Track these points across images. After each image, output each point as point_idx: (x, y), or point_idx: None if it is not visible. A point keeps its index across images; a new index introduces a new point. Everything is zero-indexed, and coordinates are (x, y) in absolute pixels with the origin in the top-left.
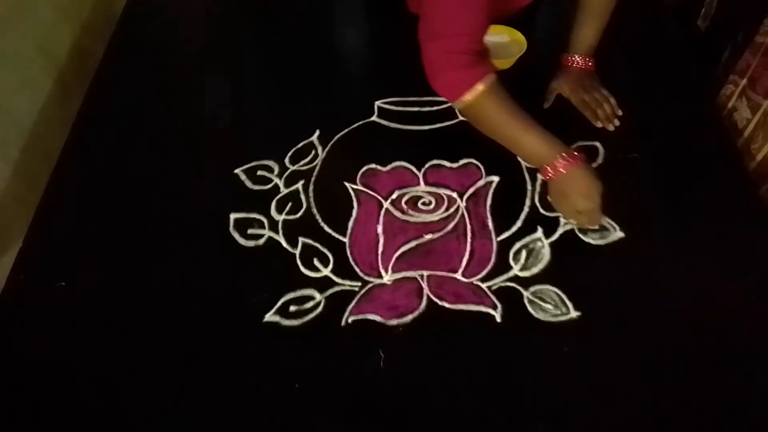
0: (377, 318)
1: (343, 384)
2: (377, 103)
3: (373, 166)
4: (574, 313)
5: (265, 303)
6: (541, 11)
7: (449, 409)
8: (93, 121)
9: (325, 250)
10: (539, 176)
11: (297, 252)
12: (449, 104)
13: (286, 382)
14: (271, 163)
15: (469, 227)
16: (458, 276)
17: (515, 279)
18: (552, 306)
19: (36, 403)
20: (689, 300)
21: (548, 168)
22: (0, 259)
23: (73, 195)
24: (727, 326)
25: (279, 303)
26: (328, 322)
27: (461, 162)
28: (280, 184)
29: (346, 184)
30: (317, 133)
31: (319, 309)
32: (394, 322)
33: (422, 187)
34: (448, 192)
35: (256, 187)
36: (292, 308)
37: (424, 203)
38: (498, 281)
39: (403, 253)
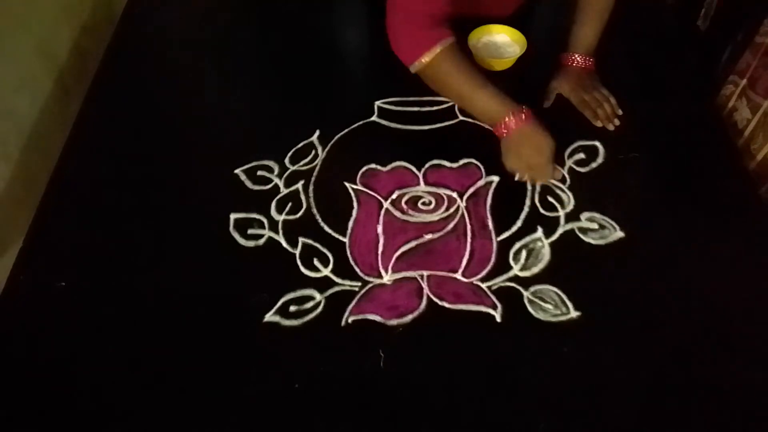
0: (377, 318)
1: (343, 384)
2: (377, 103)
3: (373, 166)
4: (574, 313)
5: (265, 303)
6: (541, 11)
7: (449, 409)
8: (93, 121)
9: (325, 250)
10: None
11: (297, 252)
12: (449, 104)
13: (286, 382)
14: (271, 163)
15: (469, 227)
16: (458, 276)
17: (515, 279)
18: (552, 306)
19: (36, 403)
20: (689, 300)
21: (500, 125)
22: (0, 259)
23: (73, 195)
24: (727, 326)
25: (279, 303)
26: (328, 322)
27: (461, 162)
28: (280, 184)
29: (346, 184)
30: (317, 133)
31: (319, 309)
32: (394, 322)
33: (422, 187)
34: (448, 192)
35: (256, 187)
36: (292, 308)
37: (424, 203)
38: (498, 281)
39: (403, 253)
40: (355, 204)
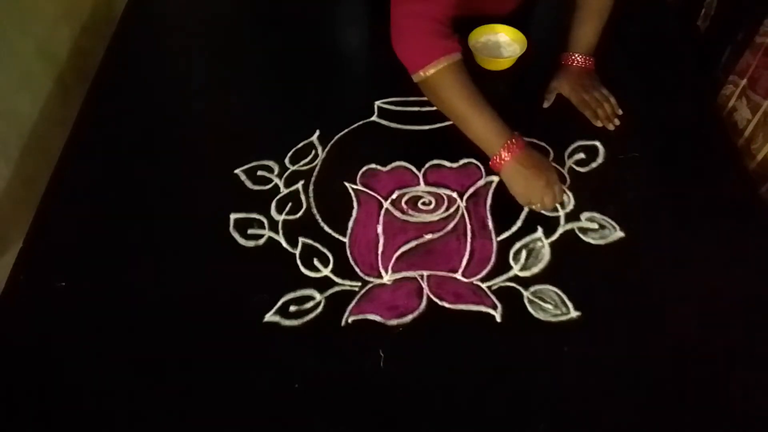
0: (377, 318)
1: (343, 384)
2: (377, 103)
3: (373, 166)
4: (574, 313)
5: (265, 303)
6: (541, 11)
7: (449, 409)
8: (93, 121)
9: (325, 250)
10: None
11: (297, 252)
12: None
13: (286, 382)
14: (271, 163)
15: (469, 227)
16: (458, 276)
17: (515, 279)
18: (552, 306)
19: (36, 403)
20: (689, 300)
21: (495, 157)
22: (0, 259)
23: (73, 195)
24: (727, 326)
25: (279, 303)
26: (328, 322)
27: (461, 162)
28: (280, 184)
29: (346, 184)
30: (317, 133)
31: (319, 309)
32: (394, 322)
33: (422, 187)
34: (448, 192)
35: (256, 187)
36: (292, 308)
37: (424, 203)
38: (498, 281)
39: (403, 253)
40: (355, 204)
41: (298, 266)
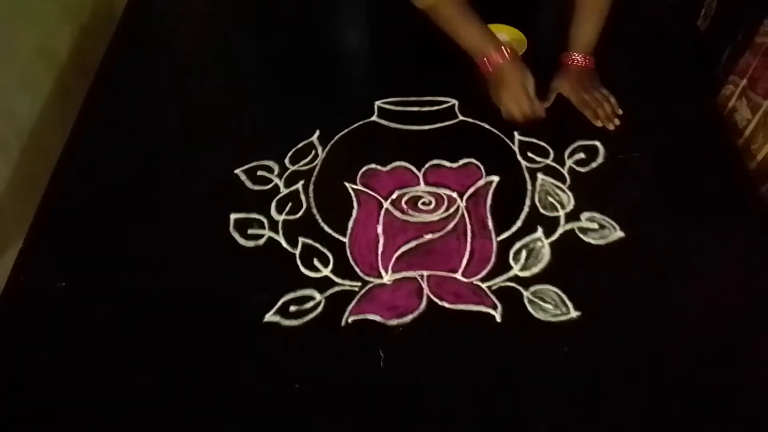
0: (377, 318)
1: (343, 384)
2: (377, 103)
3: (373, 166)
4: (574, 313)
5: (265, 303)
6: (541, 11)
7: (449, 409)
8: (93, 121)
9: (325, 250)
10: (538, 176)
11: (297, 252)
12: (449, 104)
13: (286, 382)
14: (271, 163)
15: (469, 227)
16: (458, 276)
17: (515, 279)
18: (552, 306)
19: (36, 403)
20: (689, 300)
21: (483, 59)
22: (0, 259)
23: (73, 195)
24: (727, 326)
25: (279, 303)
26: (328, 322)
27: (461, 162)
28: (280, 184)
29: (346, 184)
30: (317, 133)
31: (319, 309)
32: (394, 322)
33: (422, 187)
34: (448, 192)
35: (256, 187)
36: (292, 308)
37: (424, 203)
38: (498, 281)
39: (403, 253)
40: (355, 204)
41: (298, 266)
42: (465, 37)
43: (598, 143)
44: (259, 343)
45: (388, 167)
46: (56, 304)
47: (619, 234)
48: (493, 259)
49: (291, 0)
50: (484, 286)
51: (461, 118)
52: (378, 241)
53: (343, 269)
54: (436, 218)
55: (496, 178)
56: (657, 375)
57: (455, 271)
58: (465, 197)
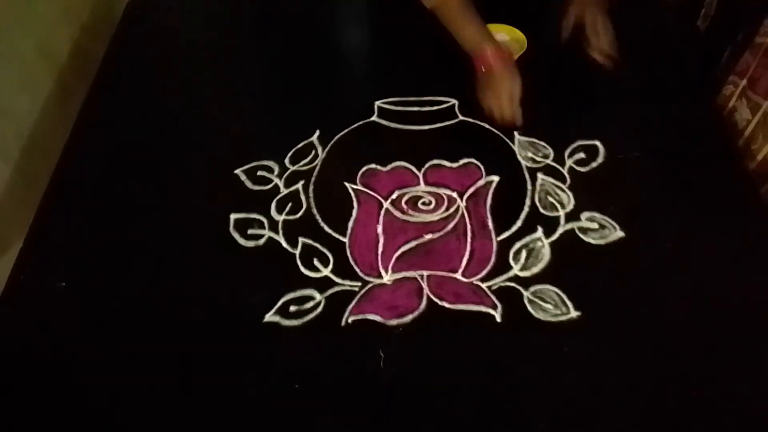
0: (377, 318)
1: (343, 384)
2: (377, 103)
3: (373, 166)
4: (574, 313)
5: (265, 303)
6: (541, 11)
7: (449, 409)
8: (93, 121)
9: (325, 250)
10: (538, 176)
11: (297, 252)
12: (449, 104)
13: (286, 382)
14: (271, 163)
15: (469, 227)
16: (458, 276)
17: (515, 279)
18: (552, 306)
19: (36, 403)
20: (689, 300)
21: (478, 56)
22: (0, 259)
23: (73, 195)
24: (727, 326)
25: (279, 303)
26: (328, 322)
27: (461, 162)
28: (280, 184)
29: (346, 184)
30: (317, 133)
31: (319, 309)
32: (394, 322)
33: (422, 187)
34: (448, 192)
35: (256, 187)
36: (292, 308)
37: (424, 203)
38: (498, 281)
39: (403, 253)
40: (355, 204)
41: (298, 266)
42: (463, 35)
43: (598, 143)
44: (259, 343)
45: (388, 167)
46: (56, 304)
47: (619, 234)
48: (493, 259)
49: (291, 0)
50: (484, 286)
51: (461, 118)
52: (378, 241)
53: (343, 269)
54: (436, 218)
55: (496, 178)
56: (657, 375)
57: (455, 271)
58: (465, 197)
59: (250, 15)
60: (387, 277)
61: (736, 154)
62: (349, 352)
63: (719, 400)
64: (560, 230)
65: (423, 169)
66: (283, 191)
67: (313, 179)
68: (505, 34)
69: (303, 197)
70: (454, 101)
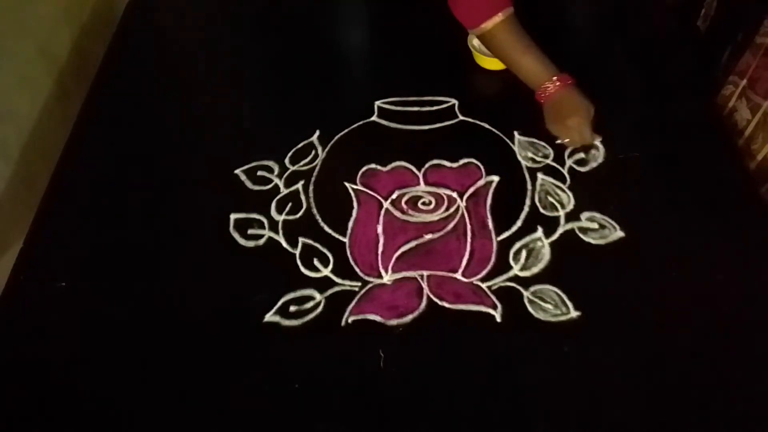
0: (377, 318)
1: (343, 384)
2: (377, 103)
3: (373, 166)
4: (574, 313)
5: (265, 303)
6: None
7: (449, 409)
8: (93, 122)
9: (325, 250)
10: (538, 176)
11: (297, 252)
12: (449, 104)
13: (286, 382)
14: (271, 163)
15: (469, 227)
16: (458, 276)
17: (515, 279)
18: (552, 306)
19: (36, 404)
20: (689, 300)
21: (540, 90)
22: (0, 259)
23: (73, 195)
24: (727, 326)
25: (279, 303)
26: (328, 322)
27: (461, 162)
28: (280, 184)
29: (346, 184)
30: (317, 133)
31: (319, 309)
32: (394, 322)
33: (422, 187)
34: (448, 192)
35: (256, 188)
36: (292, 308)
37: (424, 203)
38: (498, 281)
39: (403, 253)
40: (355, 204)
41: (298, 266)
42: (522, 64)
43: (598, 143)
44: (259, 343)
45: (388, 167)
46: (56, 304)
47: (619, 234)
48: (493, 259)
49: (291, 0)
50: (484, 286)
51: (461, 118)
52: (378, 241)
53: (343, 269)
54: (436, 218)
55: (496, 178)
56: (657, 375)
57: (455, 271)
58: (465, 197)
59: (250, 15)
60: (387, 277)
61: (736, 154)
62: (349, 352)
63: (719, 399)
64: (560, 230)
65: (423, 169)
66: (283, 191)
67: (313, 179)
68: None
69: (303, 197)
70: (454, 101)
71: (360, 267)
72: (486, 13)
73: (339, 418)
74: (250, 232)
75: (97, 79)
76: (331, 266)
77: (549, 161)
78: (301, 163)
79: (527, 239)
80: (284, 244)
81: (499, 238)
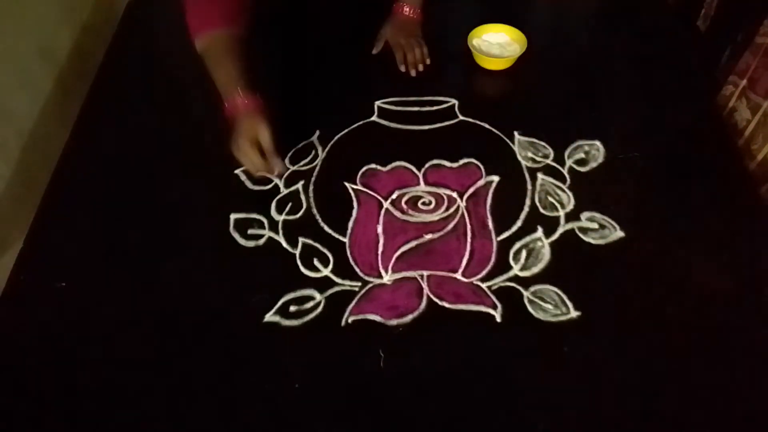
0: (377, 318)
1: (343, 384)
2: (377, 103)
3: (373, 166)
4: (574, 313)
5: (265, 303)
6: (541, 10)
7: (449, 409)
8: (93, 122)
9: (325, 250)
10: (538, 176)
11: (297, 252)
12: (449, 104)
13: (286, 382)
14: None
15: (469, 227)
16: (458, 276)
17: (515, 279)
18: (552, 306)
19: (36, 403)
20: (689, 300)
21: (227, 103)
22: (0, 259)
23: (73, 195)
24: (727, 326)
25: (279, 303)
26: (328, 322)
27: (461, 162)
28: (280, 184)
29: (346, 184)
30: (317, 133)
31: (319, 309)
32: (394, 322)
33: (422, 187)
34: (448, 192)
35: (256, 187)
36: (292, 308)
37: (424, 203)
38: (498, 281)
39: (403, 253)
40: (355, 204)
41: (298, 266)
42: (216, 77)
43: (598, 143)
44: (259, 343)
45: (388, 167)
46: (56, 304)
47: (619, 234)
48: (493, 259)
49: (291, 0)
50: (484, 286)
51: (461, 118)
52: (378, 241)
53: (343, 269)
54: (436, 218)
55: (496, 178)
56: (657, 375)
57: (455, 271)
58: (465, 197)
59: (250, 15)
60: (387, 277)
61: (736, 154)
62: (349, 352)
63: (719, 399)
64: (560, 230)
65: (423, 169)
66: (283, 191)
67: (313, 179)
68: (506, 34)
69: (303, 197)
70: (454, 101)
71: (360, 267)
72: (202, 25)
73: (339, 418)
74: (250, 232)
75: (97, 79)
76: (331, 266)
77: (549, 161)
78: (301, 163)
79: (527, 239)
80: (284, 244)
81: (499, 238)
